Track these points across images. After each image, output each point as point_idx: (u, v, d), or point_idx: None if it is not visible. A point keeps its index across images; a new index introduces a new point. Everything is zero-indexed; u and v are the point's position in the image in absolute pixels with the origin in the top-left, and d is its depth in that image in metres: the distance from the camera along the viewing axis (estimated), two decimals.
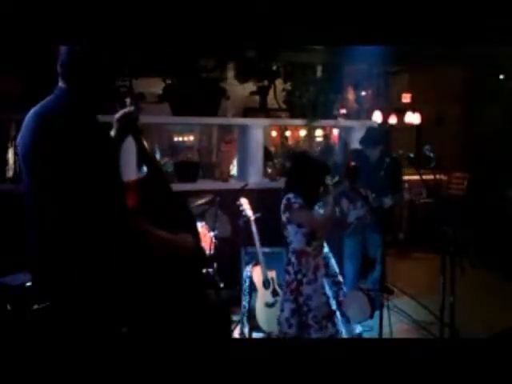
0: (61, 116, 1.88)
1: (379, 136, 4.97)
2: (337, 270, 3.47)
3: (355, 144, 5.63)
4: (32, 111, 1.94)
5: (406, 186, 4.46)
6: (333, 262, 3.49)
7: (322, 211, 4.12)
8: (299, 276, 3.27)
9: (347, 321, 3.37)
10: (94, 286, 1.87)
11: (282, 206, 3.32)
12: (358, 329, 3.58)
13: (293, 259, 3.32)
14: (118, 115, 2.16)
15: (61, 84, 1.94)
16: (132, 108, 2.16)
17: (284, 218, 3.33)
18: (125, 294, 1.92)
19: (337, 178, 3.50)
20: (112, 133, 2.15)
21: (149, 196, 2.09)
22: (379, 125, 6.57)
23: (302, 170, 3.42)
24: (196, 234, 2.20)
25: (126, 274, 1.91)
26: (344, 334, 3.33)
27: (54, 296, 1.92)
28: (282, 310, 3.37)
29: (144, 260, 1.94)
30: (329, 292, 3.32)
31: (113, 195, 1.85)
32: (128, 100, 2.16)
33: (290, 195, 3.31)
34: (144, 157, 2.15)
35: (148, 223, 1.94)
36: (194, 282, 2.21)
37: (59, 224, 1.85)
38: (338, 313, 3.31)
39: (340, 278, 3.47)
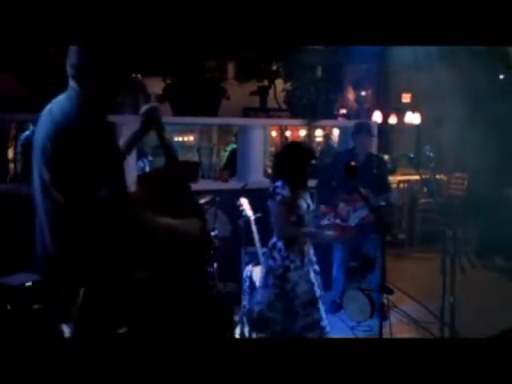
0: (73, 117, 1.92)
1: (369, 127, 4.94)
2: (315, 259, 3.43)
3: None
4: (46, 110, 1.98)
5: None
6: (312, 251, 3.45)
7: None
8: (286, 262, 3.24)
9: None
10: (101, 279, 1.90)
11: (270, 193, 3.30)
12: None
13: (280, 245, 3.28)
14: (142, 110, 2.24)
15: (72, 84, 1.96)
16: (155, 104, 2.21)
17: (269, 204, 3.31)
18: (127, 289, 1.94)
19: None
20: (136, 126, 2.23)
21: (165, 186, 2.19)
22: (378, 124, 6.55)
23: (288, 156, 3.38)
24: (204, 220, 2.29)
25: (131, 269, 1.93)
26: (325, 321, 3.30)
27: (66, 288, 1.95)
28: (259, 301, 3.30)
29: (149, 254, 1.97)
30: (313, 279, 3.29)
31: (118, 194, 1.88)
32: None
33: (278, 183, 3.27)
34: (166, 150, 2.26)
35: (155, 215, 1.99)
36: (197, 272, 2.28)
37: (71, 219, 1.88)
38: (320, 300, 3.28)
39: (318, 267, 3.44)
